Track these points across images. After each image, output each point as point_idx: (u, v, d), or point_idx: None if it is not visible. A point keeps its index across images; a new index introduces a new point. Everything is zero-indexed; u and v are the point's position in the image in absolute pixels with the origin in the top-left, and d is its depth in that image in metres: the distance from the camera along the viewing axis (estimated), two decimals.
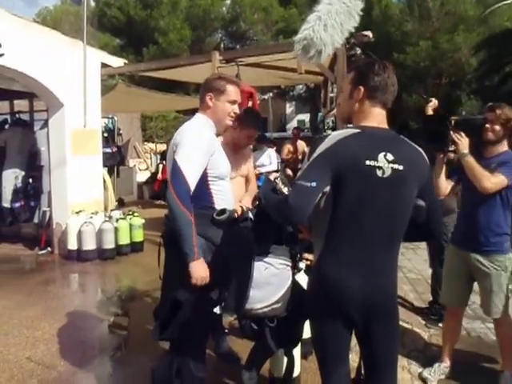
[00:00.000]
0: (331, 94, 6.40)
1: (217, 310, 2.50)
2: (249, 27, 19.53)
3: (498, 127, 2.71)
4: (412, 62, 14.05)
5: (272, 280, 1.94)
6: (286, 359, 2.54)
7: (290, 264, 2.00)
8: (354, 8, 2.46)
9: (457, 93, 14.32)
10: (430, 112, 2.84)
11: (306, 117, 24.23)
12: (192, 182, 2.10)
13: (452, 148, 2.65)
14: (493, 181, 2.61)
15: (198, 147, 2.15)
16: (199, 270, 2.06)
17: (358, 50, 5.43)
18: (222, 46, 18.17)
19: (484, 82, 13.23)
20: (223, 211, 2.19)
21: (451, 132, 2.61)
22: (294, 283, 2.04)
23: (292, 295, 2.00)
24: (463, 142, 2.62)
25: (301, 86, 19.59)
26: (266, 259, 1.94)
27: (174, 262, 2.22)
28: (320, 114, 8.90)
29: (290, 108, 29.74)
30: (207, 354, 2.45)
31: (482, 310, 2.93)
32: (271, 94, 19.79)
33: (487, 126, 2.73)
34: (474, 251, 2.79)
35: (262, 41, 18.61)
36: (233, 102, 2.32)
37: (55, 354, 3.34)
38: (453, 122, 2.68)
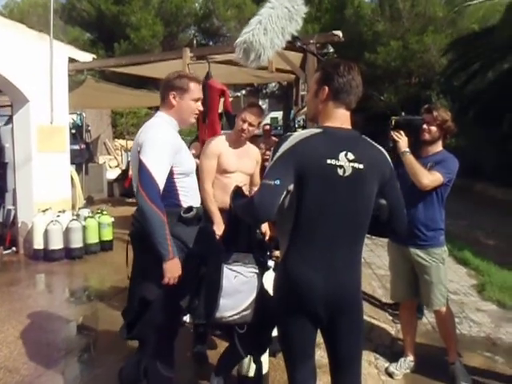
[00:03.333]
0: (302, 93, 6.44)
1: (186, 318, 2.49)
2: (222, 24, 19.50)
3: (434, 128, 2.86)
4: (383, 61, 14.32)
5: (241, 288, 1.96)
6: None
7: (257, 271, 2.01)
8: (296, 13, 2.54)
9: (426, 93, 14.65)
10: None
11: (279, 114, 24.36)
12: (161, 181, 2.10)
13: (391, 145, 2.79)
14: (430, 178, 2.75)
15: (164, 146, 2.15)
16: (173, 270, 2.07)
17: (331, 49, 5.48)
18: (194, 42, 18.00)
19: (452, 82, 13.59)
20: (190, 209, 2.21)
21: (391, 131, 2.77)
22: (261, 289, 2.05)
23: (259, 301, 2.01)
24: (403, 140, 2.78)
25: (274, 84, 19.66)
26: (235, 268, 1.97)
27: (143, 262, 2.22)
28: (292, 112, 8.95)
29: (263, 105, 29.58)
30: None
31: (424, 302, 3.06)
32: (244, 92, 19.76)
33: (424, 126, 2.86)
34: (412, 246, 2.90)
35: (235, 37, 18.51)
36: (196, 100, 2.33)
37: (18, 357, 3.24)
38: (393, 121, 2.82)
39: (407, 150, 2.77)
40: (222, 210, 2.99)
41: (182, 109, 2.29)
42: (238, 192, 1.94)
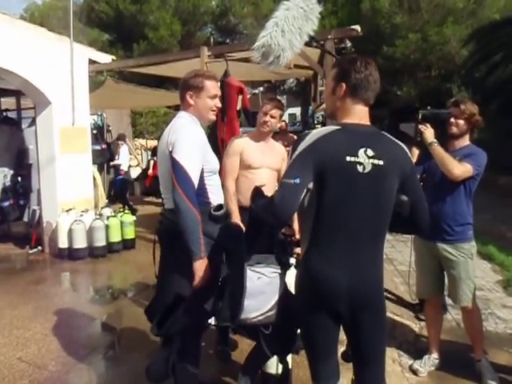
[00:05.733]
0: (321, 88, 6.39)
1: (211, 321, 2.51)
2: (238, 21, 19.53)
3: (462, 122, 2.82)
4: (401, 54, 14.06)
5: (265, 289, 1.96)
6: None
7: (280, 272, 2.01)
8: (311, 12, 2.54)
9: (447, 85, 14.37)
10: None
11: (297, 110, 24.28)
12: (195, 179, 2.13)
13: (418, 139, 2.79)
14: (461, 169, 2.72)
15: (195, 145, 2.18)
16: (203, 270, 2.09)
17: (348, 44, 5.43)
18: (212, 40, 18.04)
19: (473, 74, 13.30)
20: (220, 207, 2.23)
21: (418, 125, 2.76)
22: (285, 288, 2.05)
23: (283, 300, 2.01)
24: (429, 131, 2.75)
25: (292, 80, 19.61)
26: (257, 269, 1.97)
27: (173, 259, 2.24)
28: (310, 108, 8.91)
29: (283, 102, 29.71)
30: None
31: (451, 298, 3.02)
32: (262, 89, 19.75)
33: (452, 120, 2.82)
34: (440, 241, 2.87)
35: (251, 35, 18.53)
36: (213, 97, 2.34)
37: (46, 353, 3.33)
38: (420, 115, 2.78)
39: (434, 140, 2.75)
40: (248, 209, 2.99)
41: (199, 107, 2.31)
42: (258, 192, 1.94)
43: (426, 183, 2.93)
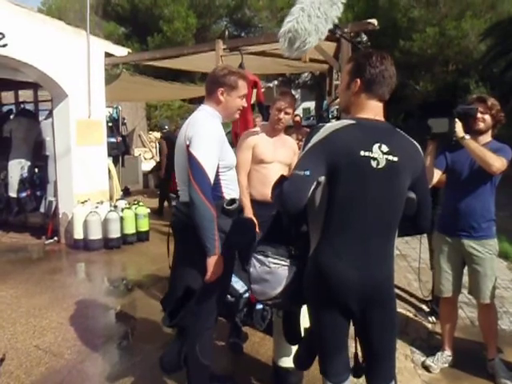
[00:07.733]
0: (336, 82, 6.35)
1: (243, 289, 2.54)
2: (254, 14, 19.47)
3: (488, 117, 2.79)
4: (419, 49, 13.89)
5: (267, 277, 1.97)
6: (289, 349, 2.56)
7: (286, 264, 1.99)
8: None
9: (464, 80, 14.16)
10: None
11: (311, 104, 24.16)
12: (212, 175, 2.14)
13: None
14: (500, 162, 2.65)
15: (213, 140, 2.18)
16: (216, 266, 2.11)
17: (364, 37, 5.37)
18: (227, 33, 18.03)
19: (491, 69, 13.09)
20: (233, 201, 2.24)
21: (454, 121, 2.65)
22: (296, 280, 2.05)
23: (291, 292, 2.01)
24: (458, 125, 2.66)
25: (306, 74, 19.52)
26: (260, 257, 1.99)
27: (185, 252, 2.26)
28: (325, 102, 8.86)
29: (295, 96, 29.62)
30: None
31: (473, 294, 2.97)
32: (276, 82, 19.67)
33: (479, 115, 2.77)
34: (466, 237, 2.83)
35: (267, 28, 18.48)
36: (242, 97, 2.35)
37: (62, 342, 3.39)
38: (454, 112, 2.72)
39: (465, 135, 2.65)
40: (261, 203, 3.01)
41: (228, 105, 2.31)
42: (281, 181, 1.79)
43: (450, 180, 2.91)
